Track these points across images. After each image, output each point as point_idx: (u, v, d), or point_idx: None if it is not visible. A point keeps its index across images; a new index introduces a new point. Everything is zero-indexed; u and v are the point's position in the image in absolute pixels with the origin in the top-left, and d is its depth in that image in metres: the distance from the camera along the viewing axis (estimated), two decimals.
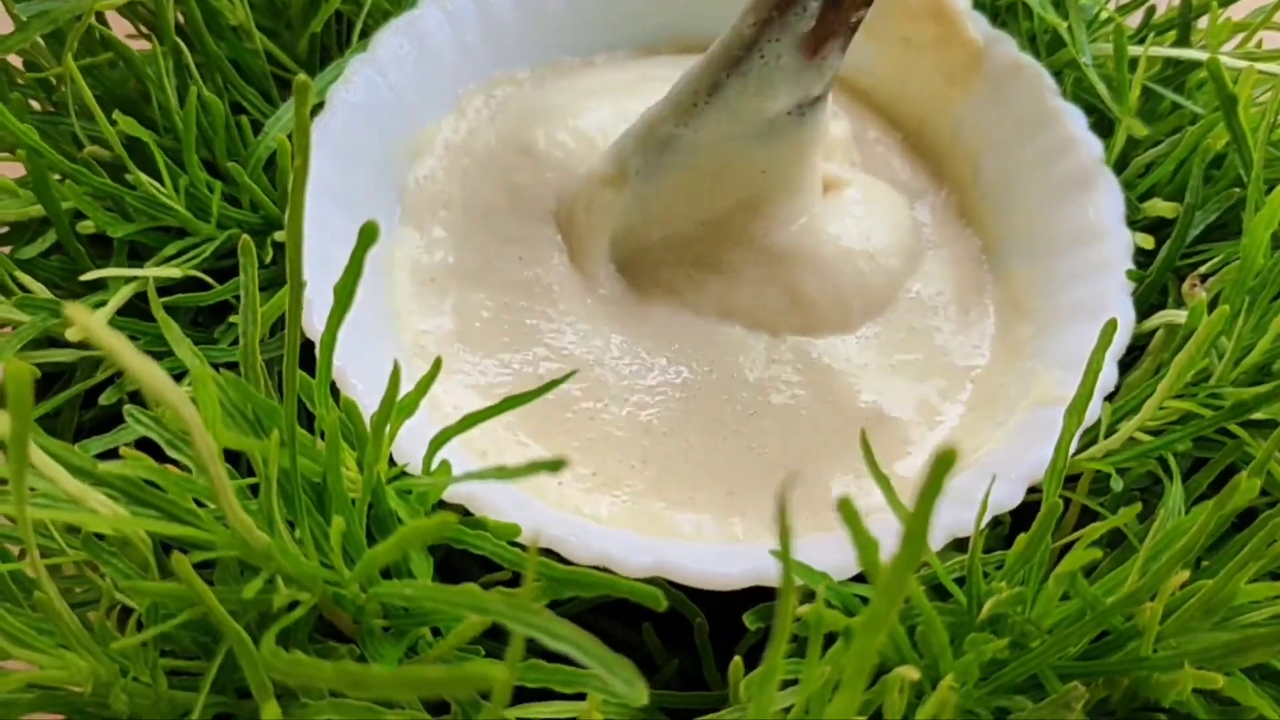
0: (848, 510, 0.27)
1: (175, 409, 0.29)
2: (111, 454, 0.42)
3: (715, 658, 0.44)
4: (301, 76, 0.31)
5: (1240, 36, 0.58)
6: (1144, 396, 0.46)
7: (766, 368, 0.50)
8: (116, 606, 0.39)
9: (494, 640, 0.38)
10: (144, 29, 0.55)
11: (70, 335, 0.34)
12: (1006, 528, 0.46)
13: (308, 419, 0.39)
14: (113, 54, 0.50)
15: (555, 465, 0.31)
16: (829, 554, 0.41)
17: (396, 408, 0.37)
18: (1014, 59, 0.55)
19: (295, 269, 0.33)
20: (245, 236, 0.37)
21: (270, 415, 0.37)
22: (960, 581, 0.41)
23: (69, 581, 0.44)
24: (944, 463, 0.24)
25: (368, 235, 0.32)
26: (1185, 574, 0.36)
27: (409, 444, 0.41)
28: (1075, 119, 0.54)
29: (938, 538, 0.42)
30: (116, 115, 0.46)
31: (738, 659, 0.40)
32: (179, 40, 0.50)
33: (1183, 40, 0.57)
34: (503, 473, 0.33)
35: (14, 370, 0.24)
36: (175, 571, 0.32)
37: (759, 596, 0.42)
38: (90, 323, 0.26)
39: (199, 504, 0.35)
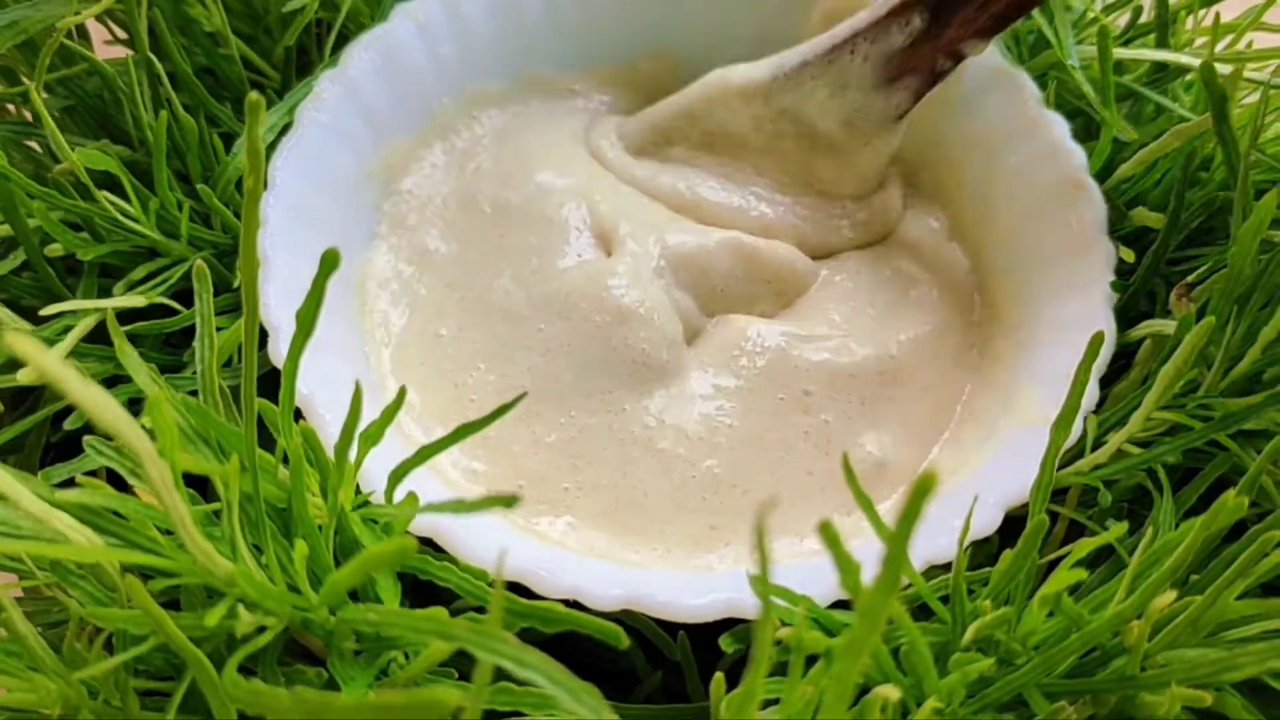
0: (829, 533, 0.27)
1: (127, 440, 0.28)
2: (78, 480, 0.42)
3: (700, 669, 0.44)
4: (253, 96, 0.30)
5: (1229, 38, 0.57)
6: (1131, 407, 0.45)
7: None
8: (88, 628, 0.39)
9: (469, 661, 0.38)
10: (120, 34, 0.54)
11: (22, 377, 0.33)
12: (995, 543, 0.45)
13: (275, 444, 0.38)
14: (86, 64, 0.50)
15: (509, 501, 0.31)
16: (810, 579, 0.40)
17: (361, 437, 0.37)
18: (996, 65, 0.54)
19: (251, 296, 0.32)
20: (200, 263, 0.36)
21: (231, 440, 0.37)
22: (946, 599, 0.40)
23: (43, 603, 0.43)
24: (923, 487, 0.24)
25: (328, 263, 0.31)
26: (1173, 595, 0.35)
27: (375, 471, 0.40)
28: (1058, 127, 0.53)
29: (916, 565, 0.42)
30: (77, 152, 0.45)
31: (719, 676, 0.39)
32: (152, 56, 0.49)
33: (1161, 42, 0.56)
34: (460, 506, 0.33)
35: None
36: (132, 599, 0.31)
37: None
38: (37, 357, 0.25)
39: (164, 530, 0.35)
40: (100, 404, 0.27)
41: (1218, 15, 0.56)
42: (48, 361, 0.25)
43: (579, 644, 0.46)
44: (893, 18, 0.50)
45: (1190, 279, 0.47)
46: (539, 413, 0.48)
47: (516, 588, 0.40)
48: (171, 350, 0.48)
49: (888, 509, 0.47)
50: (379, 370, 0.50)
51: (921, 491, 0.24)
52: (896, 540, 0.24)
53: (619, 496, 0.47)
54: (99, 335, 0.46)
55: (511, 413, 0.37)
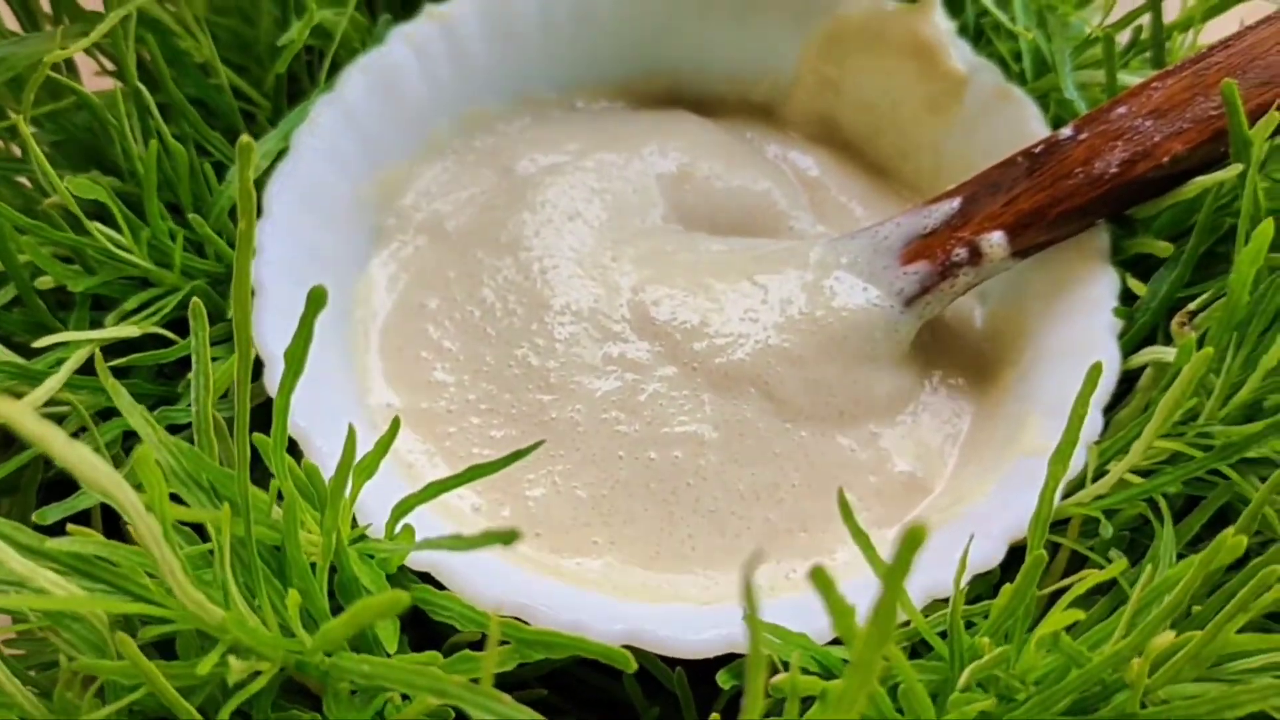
0: (820, 579, 0.27)
1: (112, 496, 0.28)
2: (74, 517, 0.42)
3: (698, 702, 0.43)
4: (244, 139, 0.30)
5: None
6: (1132, 437, 0.44)
7: None
8: (79, 675, 0.38)
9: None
10: (109, 66, 0.54)
11: None
12: (996, 574, 0.44)
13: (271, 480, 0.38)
14: (75, 98, 0.49)
15: (509, 537, 0.30)
16: (809, 615, 0.40)
17: (355, 469, 0.36)
18: (998, 86, 0.54)
19: (243, 335, 0.32)
20: (196, 300, 0.36)
21: (225, 483, 0.36)
22: (944, 633, 0.40)
23: (37, 644, 0.43)
24: (914, 540, 0.24)
25: (315, 302, 0.31)
26: (1172, 635, 0.35)
27: (372, 504, 0.40)
28: None
29: (915, 599, 0.41)
30: (68, 180, 0.44)
31: (715, 717, 0.39)
32: (141, 86, 0.49)
33: (1157, 62, 0.56)
34: (458, 542, 0.33)
35: None
36: (121, 652, 0.31)
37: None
38: (19, 421, 0.25)
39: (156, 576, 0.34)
40: (85, 464, 0.27)
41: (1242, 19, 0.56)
42: (28, 423, 0.25)
43: (578, 677, 0.46)
44: (932, 202, 0.51)
45: (1192, 306, 0.46)
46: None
47: None
48: (165, 381, 0.48)
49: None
50: (375, 396, 0.49)
51: (912, 543, 0.24)
52: (888, 590, 0.24)
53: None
54: (94, 366, 0.46)
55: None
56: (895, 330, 0.50)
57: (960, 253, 0.50)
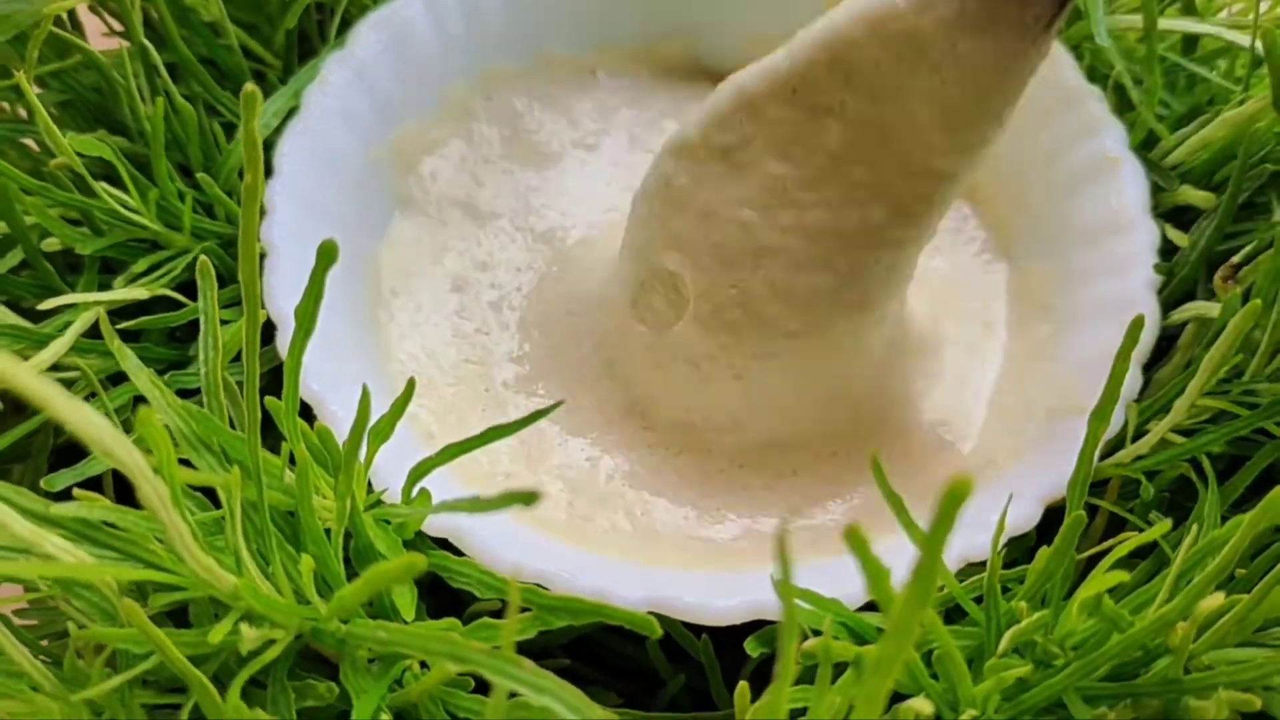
0: (855, 539, 0.26)
1: (119, 459, 0.27)
2: (84, 484, 0.41)
3: (725, 669, 0.42)
4: (249, 87, 0.29)
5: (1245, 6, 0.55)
6: (1173, 395, 0.43)
7: None
8: (91, 644, 0.38)
9: None
10: (115, 26, 0.53)
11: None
12: (1032, 537, 0.43)
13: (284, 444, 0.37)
14: (82, 57, 0.48)
15: (530, 498, 0.29)
16: (840, 579, 0.39)
17: (370, 433, 0.35)
18: None
19: (251, 295, 0.31)
20: (204, 259, 0.35)
21: (236, 446, 0.35)
22: (979, 598, 0.39)
23: (49, 613, 0.43)
24: (957, 495, 0.23)
25: (325, 256, 0.30)
26: (1219, 598, 0.34)
27: (387, 468, 0.39)
28: (1097, 101, 0.50)
29: (951, 563, 0.40)
30: (70, 139, 0.43)
31: (743, 686, 0.37)
32: (147, 43, 0.48)
33: (1188, 9, 0.54)
34: (477, 505, 0.32)
35: None
36: (129, 620, 0.30)
37: None
38: (17, 378, 0.24)
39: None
40: (89, 423, 0.26)
41: None
42: (29, 382, 0.24)
43: (602, 644, 0.45)
44: None
45: (1235, 259, 0.45)
46: None
47: None
48: (177, 344, 0.47)
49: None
50: (394, 360, 0.48)
51: (954, 499, 0.23)
52: (929, 552, 0.23)
53: None
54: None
55: None
56: None
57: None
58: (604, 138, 0.56)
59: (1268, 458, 0.43)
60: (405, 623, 0.37)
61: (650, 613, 0.37)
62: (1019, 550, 0.43)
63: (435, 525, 0.40)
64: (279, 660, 0.35)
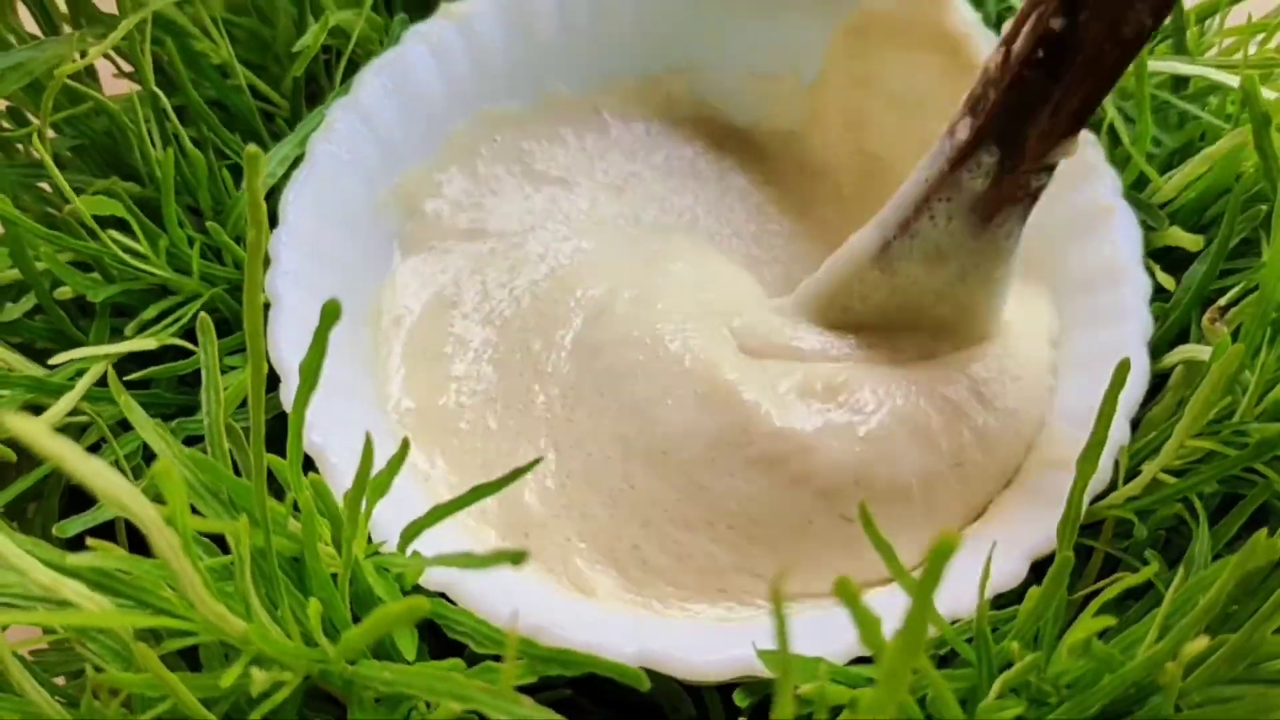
0: (846, 590, 0.26)
1: (132, 513, 0.28)
2: (95, 531, 0.42)
3: (724, 701, 0.43)
4: (251, 148, 0.30)
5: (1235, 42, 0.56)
6: (1164, 436, 0.43)
7: None
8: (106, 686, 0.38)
9: None
10: (126, 68, 0.53)
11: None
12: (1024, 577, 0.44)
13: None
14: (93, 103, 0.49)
15: (517, 557, 0.30)
16: (827, 637, 0.40)
17: (370, 485, 0.36)
18: None
19: (256, 350, 0.32)
20: (204, 316, 0.36)
21: (242, 495, 0.36)
22: (971, 639, 0.39)
23: (65, 653, 0.43)
24: (944, 549, 0.23)
25: (328, 316, 0.31)
26: (1204, 640, 0.34)
27: (386, 520, 0.40)
28: (1091, 145, 0.50)
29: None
30: (83, 198, 0.44)
31: None
32: (158, 90, 0.49)
33: (1179, 48, 0.55)
34: (469, 561, 0.33)
35: None
36: (143, 665, 0.31)
37: None
38: (34, 437, 0.25)
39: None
40: (101, 479, 0.27)
41: (1249, 17, 0.55)
42: (45, 442, 0.25)
43: (604, 678, 0.45)
44: (959, 168, 0.44)
45: (1223, 301, 0.45)
46: None
47: None
48: (186, 389, 0.48)
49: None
50: (393, 400, 0.49)
51: (942, 553, 0.23)
52: (919, 600, 0.24)
53: None
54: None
55: None
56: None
57: (1041, 179, 0.44)
58: (607, 175, 0.57)
59: (1260, 497, 0.43)
60: (408, 663, 0.38)
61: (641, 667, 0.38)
62: (1010, 594, 0.43)
63: (432, 580, 0.40)
64: (288, 701, 0.36)
